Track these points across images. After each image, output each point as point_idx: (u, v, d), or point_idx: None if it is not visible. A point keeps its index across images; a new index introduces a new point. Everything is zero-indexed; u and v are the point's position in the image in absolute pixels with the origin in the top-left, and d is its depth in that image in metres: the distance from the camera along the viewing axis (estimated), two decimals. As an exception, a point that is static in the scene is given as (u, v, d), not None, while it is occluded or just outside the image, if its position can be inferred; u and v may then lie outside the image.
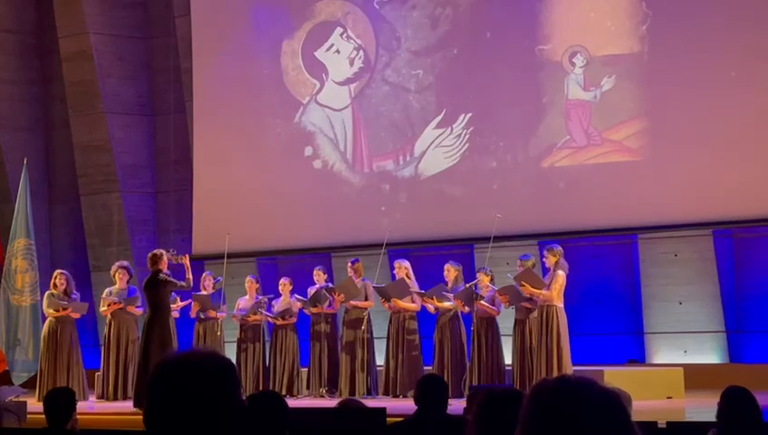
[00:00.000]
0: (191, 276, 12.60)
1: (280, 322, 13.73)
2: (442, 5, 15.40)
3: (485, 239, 13.14)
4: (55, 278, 13.72)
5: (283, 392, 12.98)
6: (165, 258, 12.45)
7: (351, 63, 16.12)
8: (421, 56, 15.55)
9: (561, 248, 12.12)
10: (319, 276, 13.70)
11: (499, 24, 15.01)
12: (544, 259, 12.15)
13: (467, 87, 15.16)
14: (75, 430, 6.34)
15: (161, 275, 12.30)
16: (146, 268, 12.78)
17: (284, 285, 13.97)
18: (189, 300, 13.91)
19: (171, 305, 13.03)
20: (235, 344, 14.06)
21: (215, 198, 16.61)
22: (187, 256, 13.09)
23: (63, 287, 13.64)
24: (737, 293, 13.87)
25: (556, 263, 11.94)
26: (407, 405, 9.59)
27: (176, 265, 12.73)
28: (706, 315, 13.82)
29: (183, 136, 17.34)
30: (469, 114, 15.11)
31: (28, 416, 10.62)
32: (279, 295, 13.96)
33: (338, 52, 16.23)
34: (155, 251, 12.70)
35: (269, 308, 13.88)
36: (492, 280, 12.67)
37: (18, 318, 14.98)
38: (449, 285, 12.81)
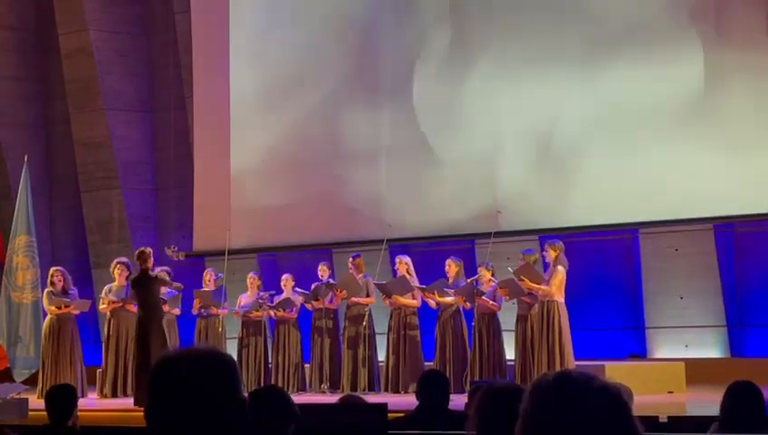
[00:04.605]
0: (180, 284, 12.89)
1: (280, 313, 13.71)
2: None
3: (486, 235, 13.11)
4: (52, 276, 13.68)
5: (285, 389, 12.96)
6: (151, 257, 12.48)
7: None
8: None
9: (561, 244, 12.08)
10: (323, 272, 13.64)
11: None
12: (545, 254, 12.12)
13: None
14: (76, 427, 6.34)
15: (150, 272, 12.31)
16: (147, 265, 12.76)
17: (286, 280, 13.94)
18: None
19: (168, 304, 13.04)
20: (237, 341, 14.05)
21: (215, 194, 16.58)
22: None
23: (61, 285, 13.60)
24: (738, 287, 13.86)
25: (556, 258, 11.90)
26: (408, 401, 9.59)
27: (176, 262, 12.71)
28: (707, 310, 13.81)
29: (183, 132, 17.33)
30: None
31: (29, 413, 10.62)
32: (281, 291, 13.95)
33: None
34: (143, 248, 12.70)
35: (271, 303, 13.87)
36: (493, 275, 12.65)
37: (19, 315, 14.94)
38: (450, 280, 12.80)
